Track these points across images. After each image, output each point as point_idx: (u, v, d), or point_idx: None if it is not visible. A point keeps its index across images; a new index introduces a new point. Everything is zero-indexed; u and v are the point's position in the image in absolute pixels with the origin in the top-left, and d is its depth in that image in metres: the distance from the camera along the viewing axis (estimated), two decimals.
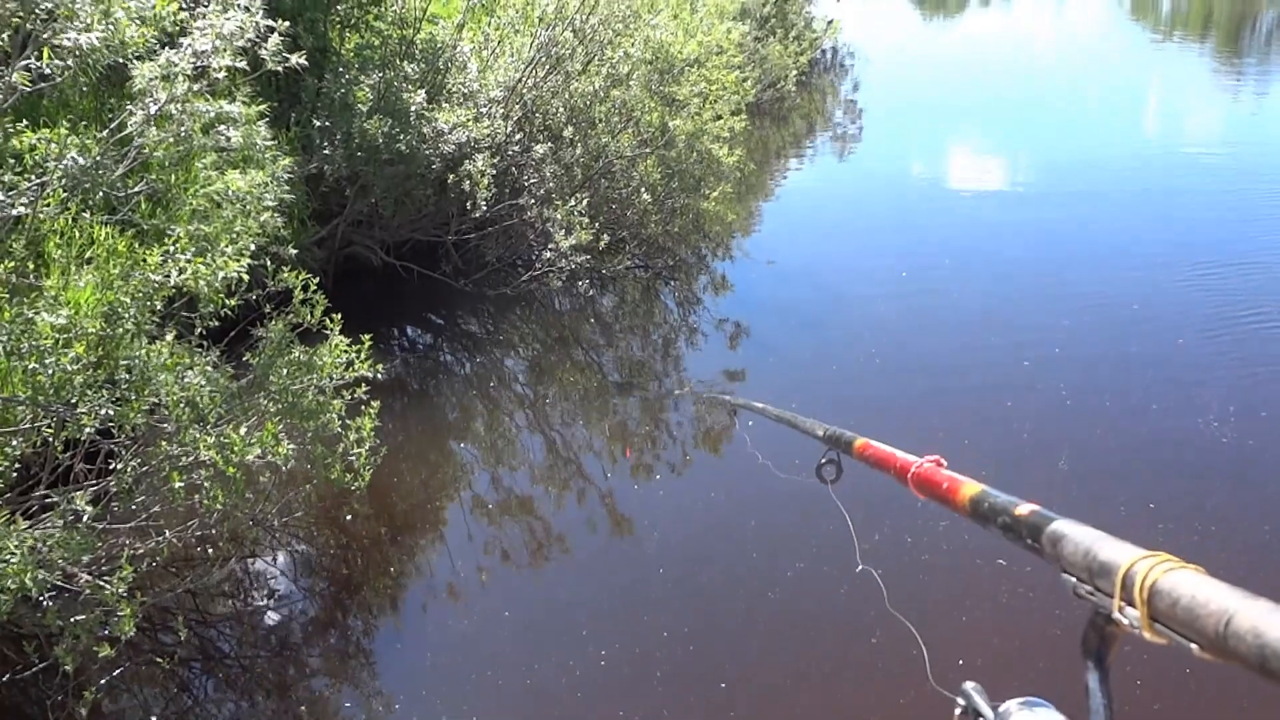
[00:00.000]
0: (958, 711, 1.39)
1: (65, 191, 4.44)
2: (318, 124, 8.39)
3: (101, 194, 4.69)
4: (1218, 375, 8.45)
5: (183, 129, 4.72)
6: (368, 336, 5.42)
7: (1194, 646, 0.90)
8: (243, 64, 5.01)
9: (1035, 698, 1.32)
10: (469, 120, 8.83)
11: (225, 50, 4.79)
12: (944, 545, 6.13)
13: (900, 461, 1.80)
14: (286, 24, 5.46)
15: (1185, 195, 14.30)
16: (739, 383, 8.50)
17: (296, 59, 5.39)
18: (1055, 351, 8.95)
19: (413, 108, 8.55)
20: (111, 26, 4.25)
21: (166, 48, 4.81)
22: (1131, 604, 0.99)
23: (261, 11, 5.15)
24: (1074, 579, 1.11)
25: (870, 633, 5.42)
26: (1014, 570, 5.82)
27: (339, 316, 5.33)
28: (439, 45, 9.53)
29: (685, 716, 5.05)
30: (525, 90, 9.97)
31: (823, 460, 2.37)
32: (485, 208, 8.82)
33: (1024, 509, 1.30)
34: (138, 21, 4.37)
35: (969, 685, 1.41)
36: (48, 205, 4.47)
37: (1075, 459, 7.14)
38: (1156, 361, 8.81)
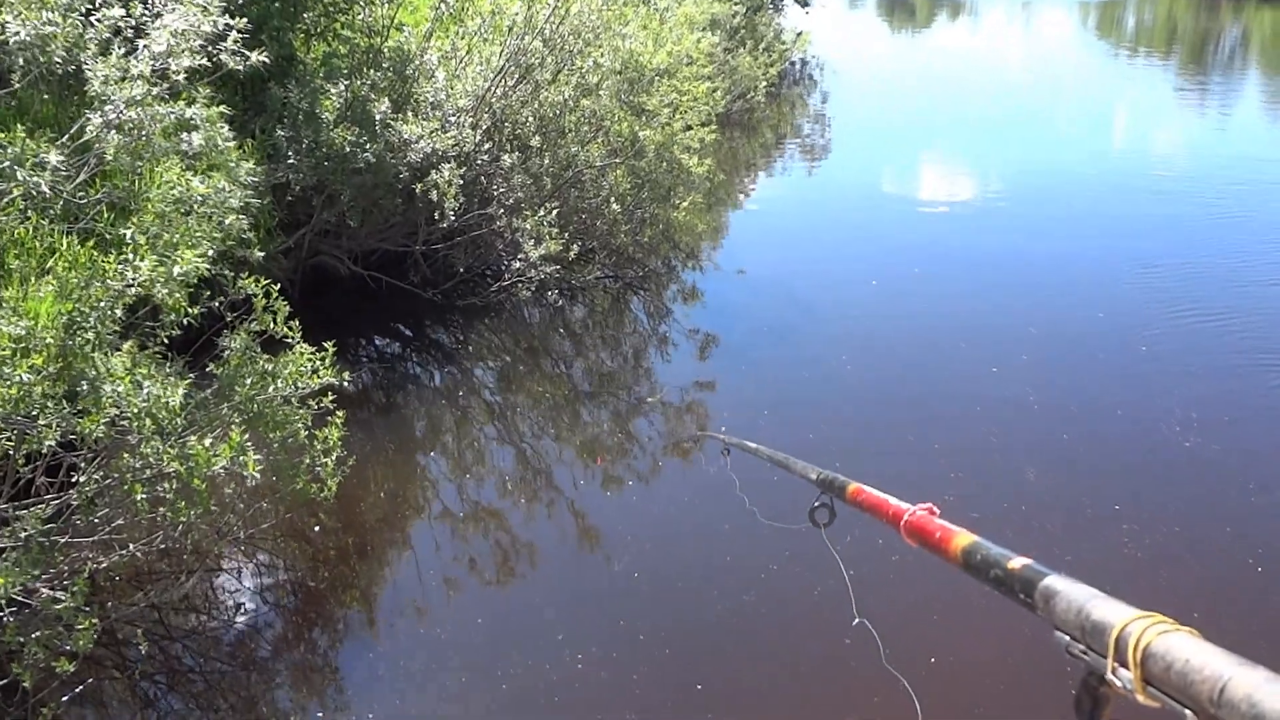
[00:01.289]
0: None
1: (24, 200, 4.38)
2: (283, 133, 8.32)
3: (62, 202, 4.62)
4: (1180, 381, 8.56)
5: (143, 133, 4.66)
6: (331, 344, 5.37)
7: (1188, 713, 0.89)
8: (202, 62, 4.95)
9: None
10: (433, 131, 8.79)
11: (183, 50, 4.74)
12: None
13: (893, 509, 1.78)
14: (244, 21, 5.40)
15: (1148, 209, 14.49)
16: (710, 393, 8.50)
17: (257, 56, 5.35)
18: (1023, 358, 9.04)
19: (378, 117, 8.50)
20: (48, 26, 4.20)
21: (121, 49, 4.75)
22: (1125, 665, 0.97)
23: (220, 10, 5.11)
24: (1067, 637, 1.09)
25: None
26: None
27: (297, 324, 5.27)
28: (406, 54, 9.49)
29: (668, 709, 5.06)
30: (494, 100, 9.95)
31: (816, 504, 2.38)
32: (453, 217, 8.78)
33: (1016, 563, 1.28)
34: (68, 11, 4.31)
35: None
36: (6, 214, 4.40)
37: (1042, 465, 7.22)
38: (1120, 366, 8.94)
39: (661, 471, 7.31)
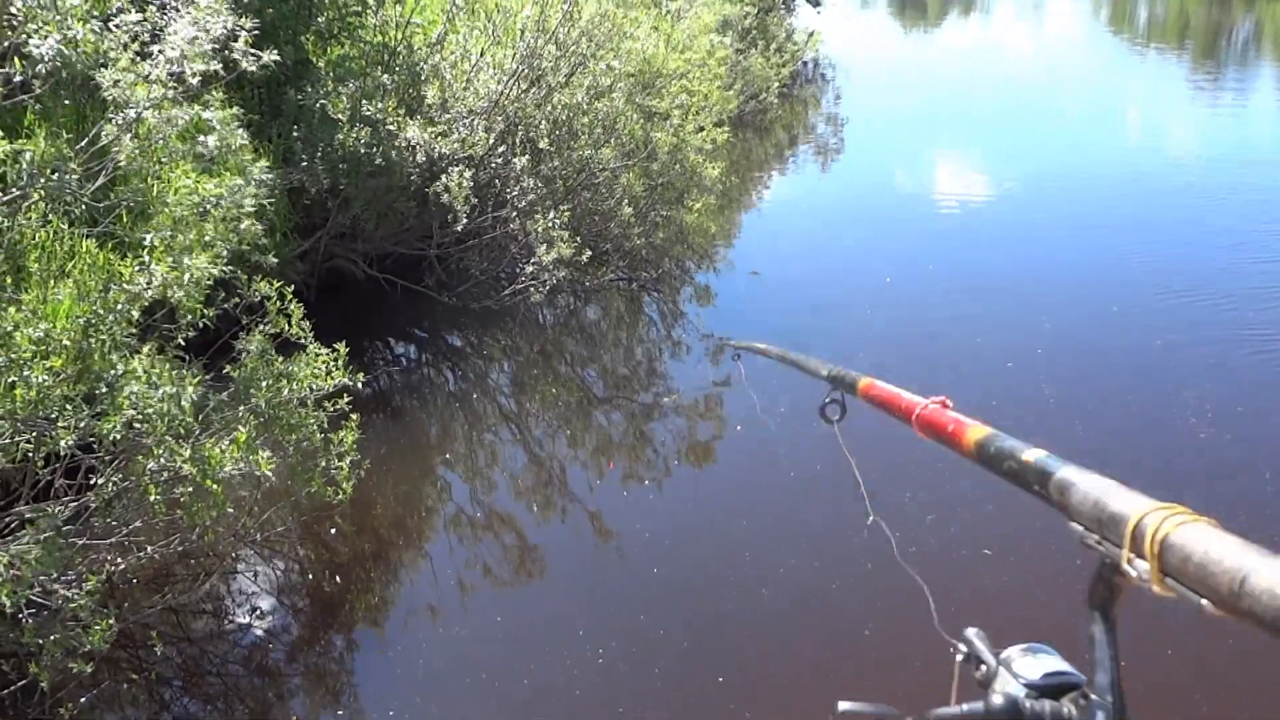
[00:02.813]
0: (959, 658, 1.37)
1: (45, 204, 4.40)
2: (297, 135, 8.35)
3: (83, 206, 4.65)
4: (1196, 372, 8.53)
5: (159, 136, 4.68)
6: (343, 345, 5.39)
7: (1205, 603, 0.87)
8: (216, 66, 4.98)
9: (1038, 644, 1.30)
10: (438, 135, 8.81)
11: (196, 56, 4.76)
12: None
13: (905, 402, 1.74)
14: (255, 23, 5.42)
15: (1164, 203, 14.42)
16: (725, 392, 8.49)
17: (268, 56, 5.38)
18: (1038, 351, 9.04)
19: (388, 120, 8.52)
20: (69, 32, 4.23)
21: (136, 55, 4.77)
22: (1141, 556, 0.95)
23: (229, 10, 5.13)
24: (1081, 528, 1.07)
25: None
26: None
27: (308, 325, 5.30)
28: (417, 57, 9.52)
29: (690, 702, 5.08)
30: (507, 103, 9.96)
31: (826, 400, 2.28)
32: (466, 220, 8.79)
33: (1031, 454, 1.26)
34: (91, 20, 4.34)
35: (971, 631, 1.38)
36: (28, 218, 4.43)
37: (1055, 453, 7.17)
38: (1136, 357, 8.93)
39: (676, 472, 7.31)
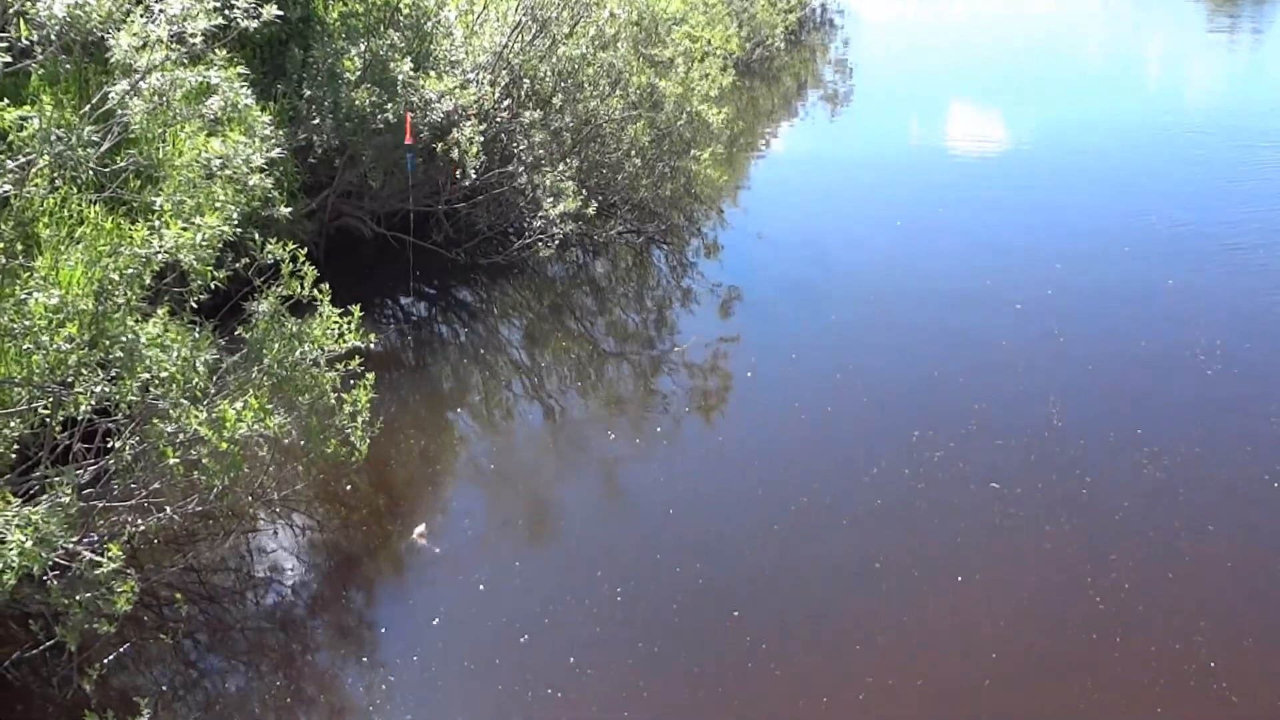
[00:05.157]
0: None
1: (53, 170, 4.40)
2: (306, 93, 8.30)
3: (90, 172, 4.64)
4: (1203, 313, 8.53)
5: (164, 98, 4.66)
6: (357, 307, 5.40)
7: None
8: (219, 22, 4.93)
9: None
10: (456, 88, 8.74)
11: (200, 13, 4.73)
12: None
13: None
14: None
15: (1175, 155, 14.27)
16: (734, 344, 8.49)
17: (270, 11, 5.34)
18: (1047, 293, 9.05)
19: (400, 76, 8.45)
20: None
21: (140, 14, 4.73)
22: None
23: None
24: None
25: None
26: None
27: (327, 287, 5.32)
28: (423, 10, 9.41)
29: (707, 636, 5.23)
30: (512, 55, 9.86)
31: None
32: (475, 176, 8.75)
33: None
34: None
35: None
36: (36, 185, 4.42)
37: (1066, 394, 7.30)
38: (1143, 300, 8.94)
39: (687, 420, 7.36)
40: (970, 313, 8.76)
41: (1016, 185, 12.76)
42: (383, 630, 5.42)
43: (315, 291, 5.29)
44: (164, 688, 5.00)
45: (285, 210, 6.12)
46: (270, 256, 5.28)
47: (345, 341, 5.30)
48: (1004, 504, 6.07)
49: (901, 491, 6.25)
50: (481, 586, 5.68)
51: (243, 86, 5.35)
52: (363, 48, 8.52)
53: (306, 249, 5.47)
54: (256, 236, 5.27)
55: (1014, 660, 5.03)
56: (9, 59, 4.26)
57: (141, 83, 4.72)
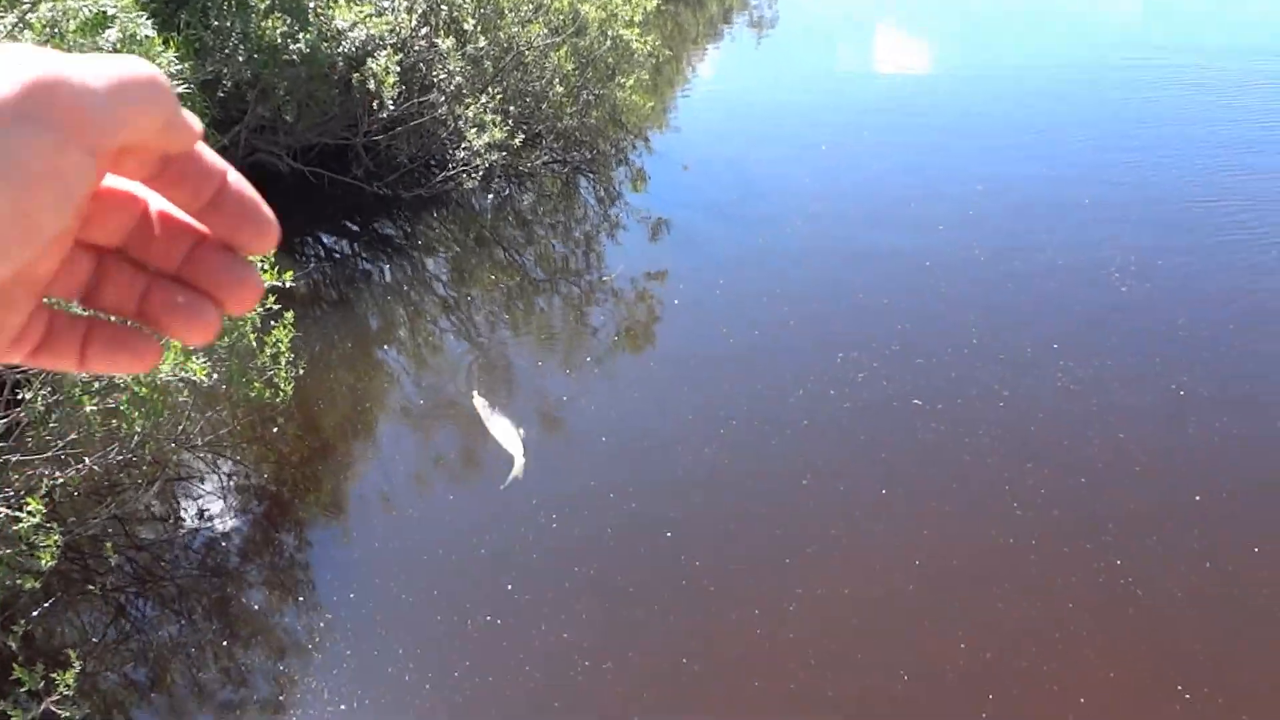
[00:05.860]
0: None
1: None
2: (214, 23, 8.01)
3: None
4: (1120, 229, 8.71)
5: (57, 29, 4.48)
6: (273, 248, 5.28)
7: None
8: None
9: None
10: (369, 16, 8.49)
11: None
12: None
13: None
14: None
15: (1102, 84, 14.41)
16: (662, 273, 8.49)
17: None
18: (969, 213, 9.16)
19: (310, 4, 8.18)
20: None
21: None
22: None
23: None
24: None
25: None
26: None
27: None
28: None
29: (640, 555, 5.34)
30: None
31: None
32: (393, 107, 8.56)
33: None
34: None
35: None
36: None
37: (985, 311, 7.47)
38: (1063, 218, 9.10)
39: (618, 350, 7.38)
40: (894, 235, 8.85)
41: (942, 110, 12.82)
42: (318, 570, 5.41)
43: None
44: (95, 640, 4.96)
45: None
46: None
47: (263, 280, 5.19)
48: (926, 419, 6.22)
49: (828, 411, 6.36)
50: (417, 521, 5.70)
51: (142, 17, 5.15)
52: None
53: None
54: None
55: (937, 567, 5.18)
56: None
57: (31, 14, 4.52)
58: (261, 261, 5.20)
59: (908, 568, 5.17)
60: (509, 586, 5.16)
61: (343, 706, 4.59)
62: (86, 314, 0.51)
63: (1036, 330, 7.14)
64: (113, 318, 0.51)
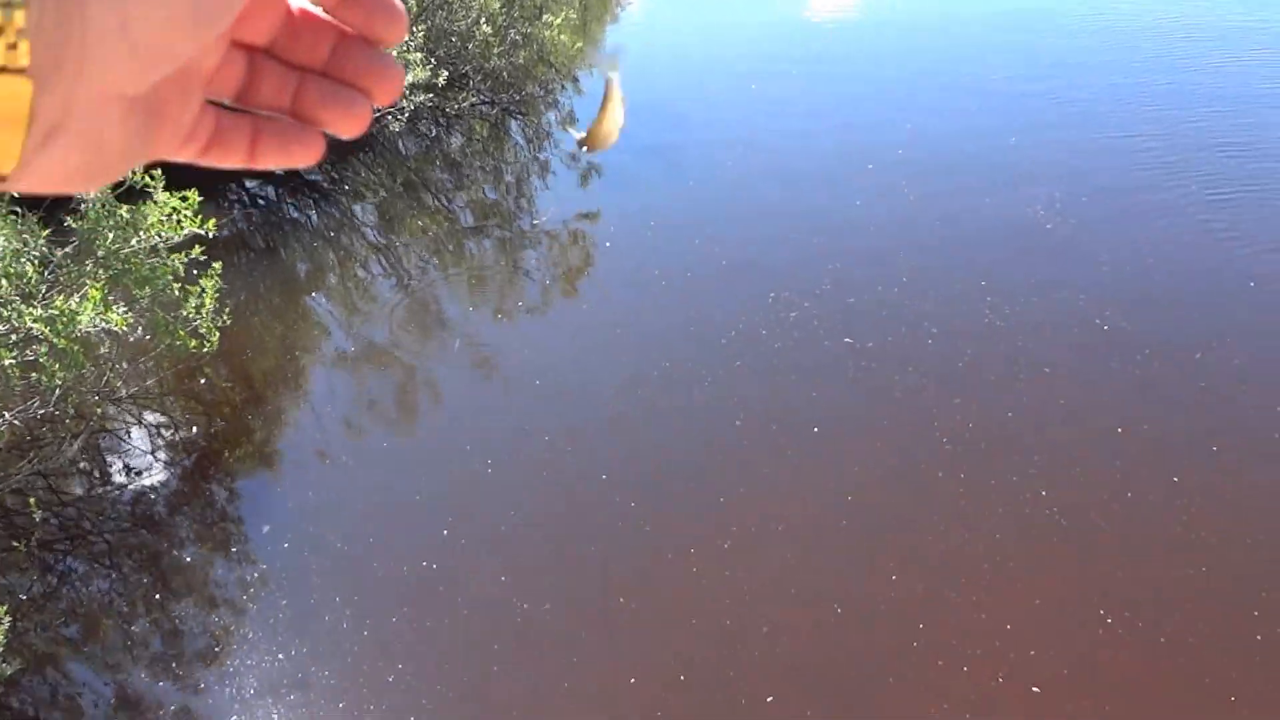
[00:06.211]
0: None
1: None
2: None
3: None
4: (1045, 168, 8.86)
5: None
6: (193, 192, 5.14)
7: None
8: None
9: None
10: None
11: None
12: None
13: None
14: None
15: (1048, 30, 14.53)
16: (594, 215, 8.44)
17: None
18: (898, 153, 9.22)
19: None
20: None
21: None
22: None
23: None
24: None
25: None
26: None
27: (160, 173, 5.04)
28: None
29: (576, 494, 5.38)
30: None
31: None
32: None
33: None
34: None
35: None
36: None
37: (914, 247, 7.57)
38: (989, 157, 9.21)
39: (550, 292, 7.36)
40: (824, 174, 8.90)
41: (872, 56, 12.84)
42: (251, 521, 5.36)
43: (148, 178, 5.00)
44: (23, 597, 4.87)
45: None
46: None
47: (182, 230, 5.06)
48: (857, 357, 6.31)
49: (760, 351, 6.42)
50: (351, 469, 5.67)
51: None
52: None
53: None
54: None
55: (868, 501, 5.29)
56: None
57: None
58: (185, 208, 5.06)
59: (839, 503, 5.28)
60: (445, 532, 5.17)
61: (280, 655, 4.58)
62: (250, 113, 0.54)
63: (965, 268, 7.25)
64: (270, 115, 0.54)
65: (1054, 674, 4.40)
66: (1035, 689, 4.34)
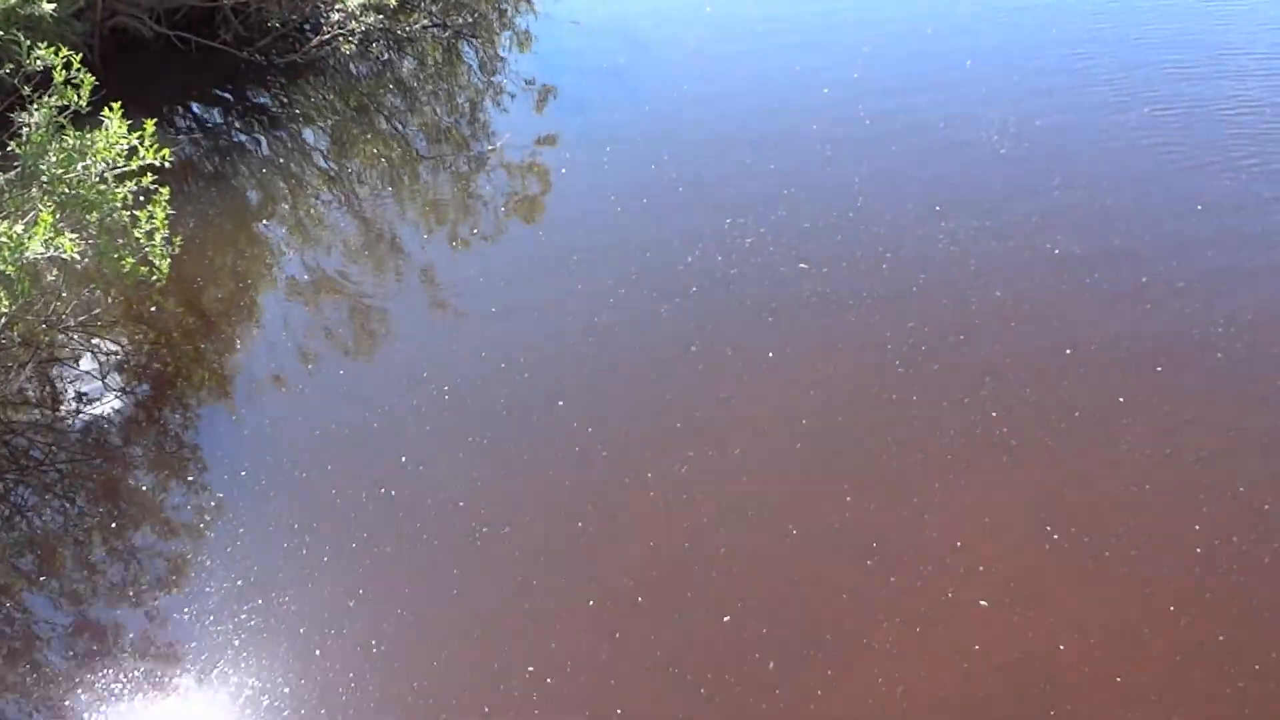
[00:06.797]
0: None
1: None
2: None
3: None
4: (1000, 92, 8.87)
5: None
6: (151, 121, 5.02)
7: None
8: None
9: None
10: None
11: None
12: None
13: None
14: None
15: None
16: (550, 140, 8.35)
17: None
18: (854, 76, 9.19)
19: None
20: None
21: None
22: None
23: None
24: None
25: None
26: None
27: (118, 105, 4.91)
28: None
29: (534, 425, 5.42)
30: None
31: None
32: None
33: None
34: None
35: None
36: None
37: (870, 173, 7.58)
38: (944, 80, 9.17)
39: (505, 219, 7.31)
40: (780, 98, 8.84)
41: None
42: (207, 449, 5.35)
43: (106, 109, 4.86)
44: None
45: (48, 6, 5.54)
46: (39, 62, 4.81)
47: (137, 160, 4.94)
48: (812, 282, 6.35)
49: (716, 277, 6.44)
50: (307, 396, 5.67)
51: None
52: None
53: (81, 54, 5.01)
54: (21, 39, 4.78)
55: (822, 424, 5.39)
56: None
57: None
58: (136, 136, 4.93)
59: (794, 426, 5.36)
60: (403, 459, 5.20)
61: (239, 582, 4.61)
62: None
63: (919, 193, 7.27)
64: None
65: (1002, 587, 4.55)
66: (983, 602, 4.49)
